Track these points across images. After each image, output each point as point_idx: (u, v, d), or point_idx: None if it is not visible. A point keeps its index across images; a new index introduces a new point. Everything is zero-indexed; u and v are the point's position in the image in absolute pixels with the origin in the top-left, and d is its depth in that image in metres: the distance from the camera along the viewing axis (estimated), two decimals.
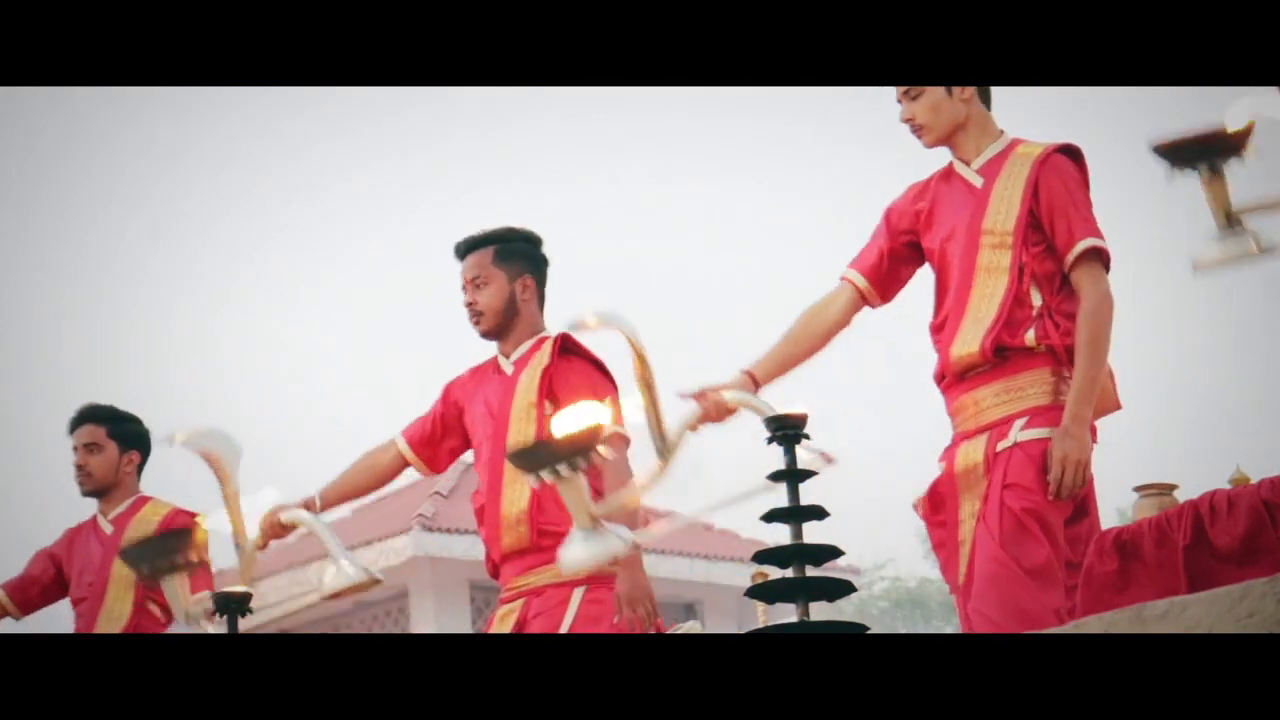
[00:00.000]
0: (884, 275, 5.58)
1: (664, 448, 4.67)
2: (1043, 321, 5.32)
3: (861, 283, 5.58)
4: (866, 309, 5.63)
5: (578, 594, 5.84)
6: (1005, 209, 5.38)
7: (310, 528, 5.68)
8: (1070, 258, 5.32)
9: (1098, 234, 5.36)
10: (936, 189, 5.53)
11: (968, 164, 5.48)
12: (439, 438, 6.18)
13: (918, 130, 5.47)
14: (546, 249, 6.20)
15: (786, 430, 4.84)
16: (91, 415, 7.22)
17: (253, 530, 5.32)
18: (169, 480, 7.33)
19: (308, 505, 5.98)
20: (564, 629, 5.78)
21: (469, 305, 6.06)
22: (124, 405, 7.34)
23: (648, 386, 4.56)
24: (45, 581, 7.27)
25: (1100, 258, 5.34)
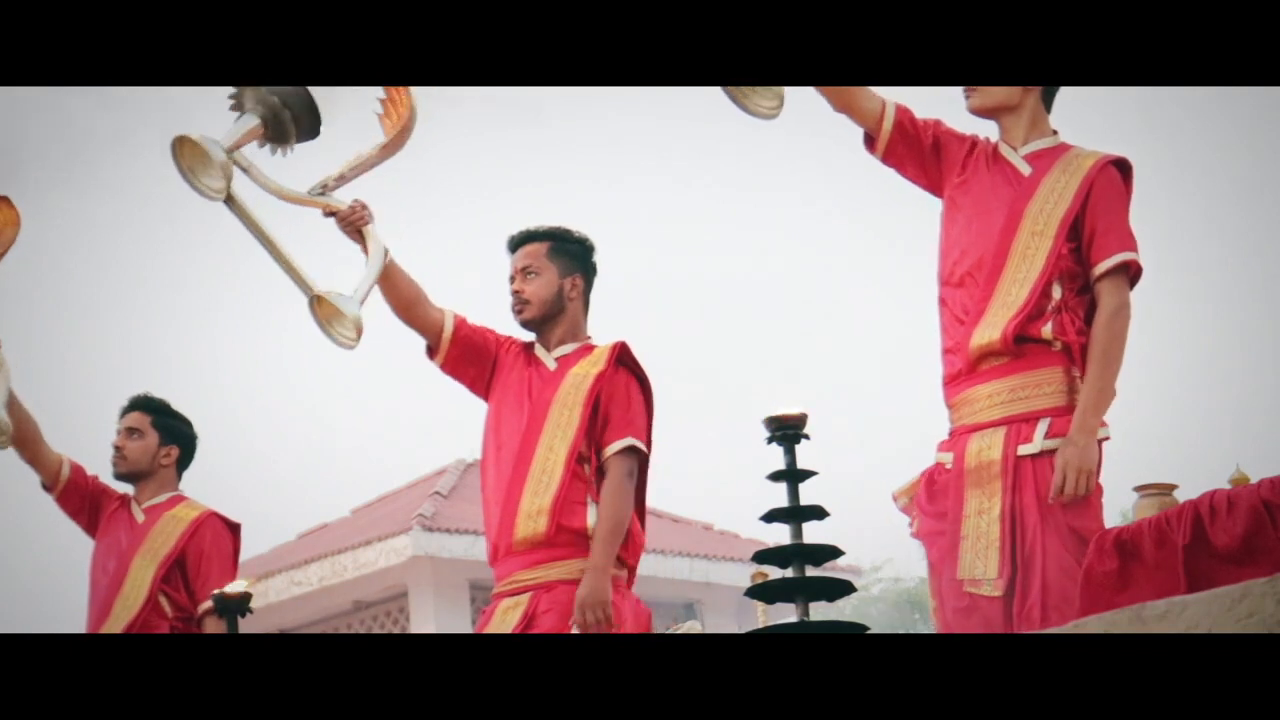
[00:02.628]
0: (908, 134, 5.55)
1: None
2: (1060, 316, 5.35)
3: (891, 112, 5.53)
4: (866, 147, 5.58)
5: None
6: (1055, 201, 5.42)
7: (372, 249, 5.90)
8: (1105, 266, 5.38)
9: (1134, 248, 5.42)
10: (978, 160, 5.54)
11: (1014, 149, 5.52)
12: (475, 352, 6.10)
13: (969, 90, 5.51)
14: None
15: (786, 430, 4.85)
16: (142, 404, 7.31)
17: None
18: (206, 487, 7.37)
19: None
20: (573, 622, 5.79)
21: (516, 293, 6.05)
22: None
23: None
24: (88, 494, 7.29)
25: (1128, 271, 5.40)
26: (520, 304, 6.06)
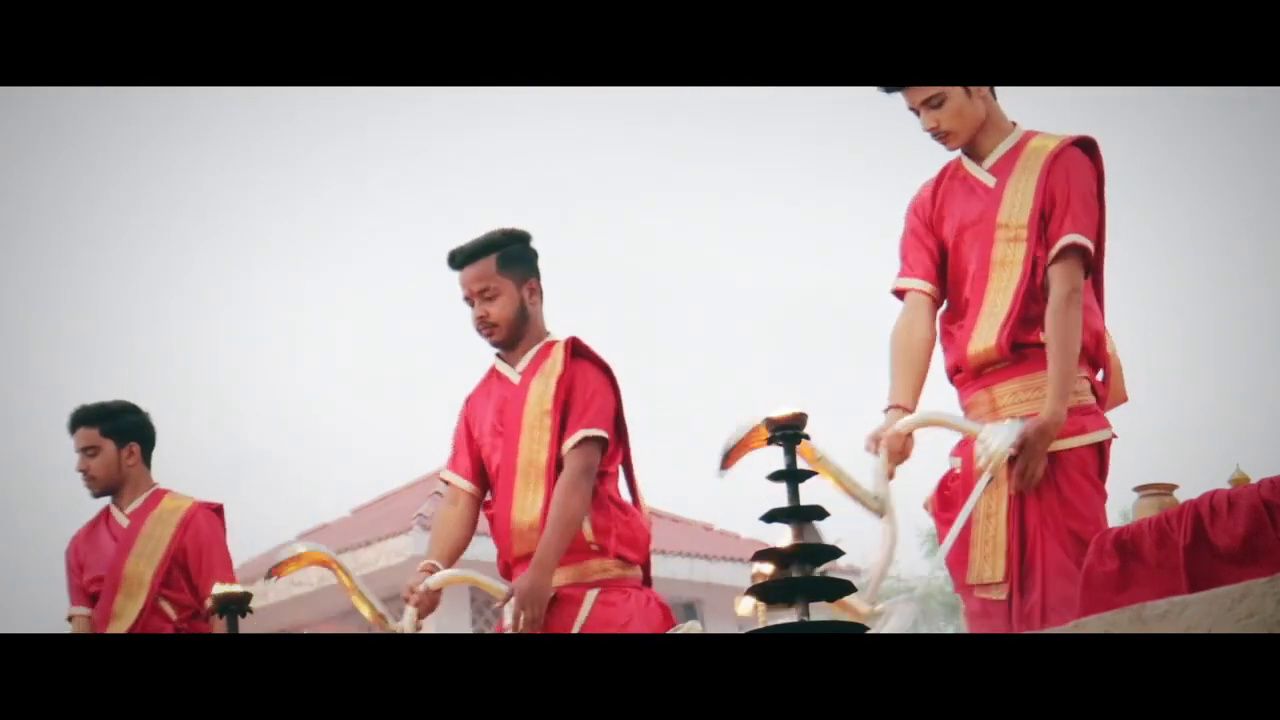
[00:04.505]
0: (941, 273, 5.54)
1: (879, 506, 5.07)
2: None
3: (930, 289, 5.53)
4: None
5: (591, 595, 5.82)
6: (1020, 203, 5.39)
7: (461, 578, 5.88)
8: (1053, 251, 5.33)
9: (1087, 231, 5.35)
10: (947, 186, 5.52)
11: (980, 162, 5.49)
12: (479, 459, 6.05)
13: (944, 137, 5.44)
14: (540, 251, 6.13)
15: (786, 430, 4.84)
16: (83, 418, 7.15)
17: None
18: (180, 472, 7.33)
19: (429, 571, 5.88)
20: (576, 628, 5.77)
21: (481, 318, 5.92)
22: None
23: (835, 478, 4.92)
24: (79, 573, 7.24)
25: (1082, 255, 5.35)
26: (488, 328, 5.93)
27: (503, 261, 5.94)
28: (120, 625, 6.93)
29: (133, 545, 7.02)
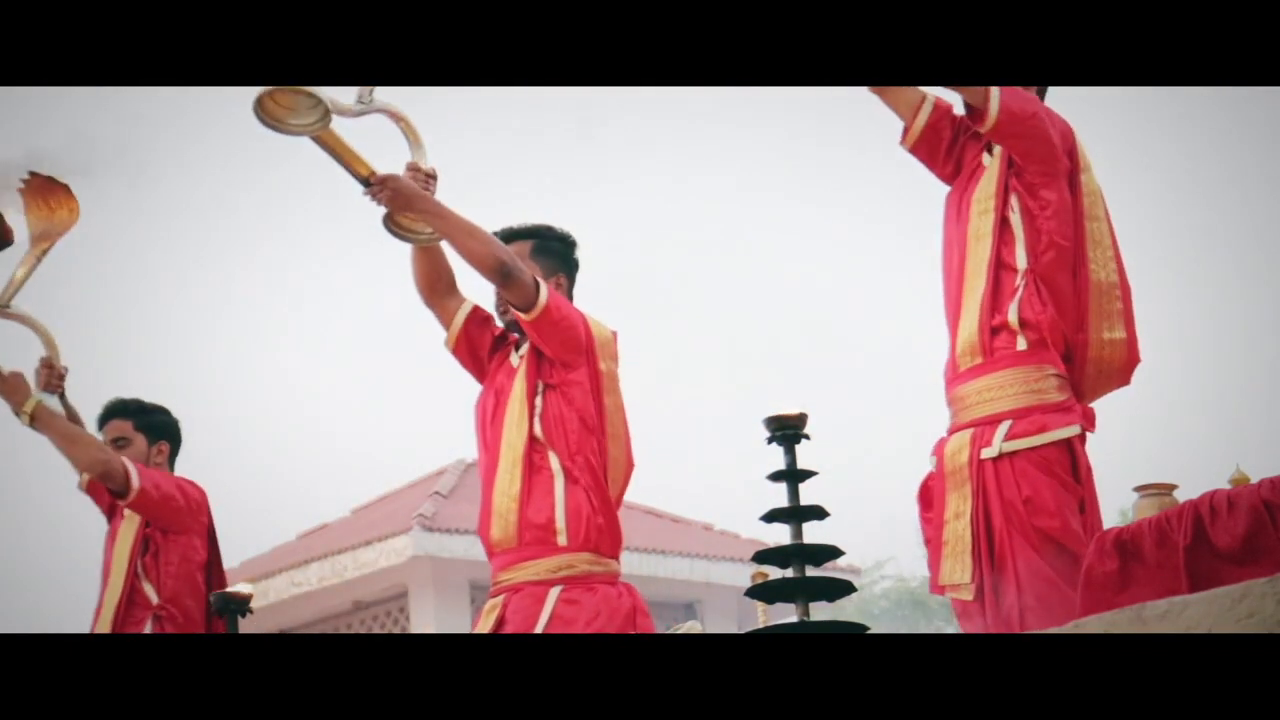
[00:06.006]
0: (939, 131, 5.56)
1: None
2: (1027, 289, 5.33)
3: (928, 109, 5.54)
4: (901, 138, 5.60)
5: (553, 594, 5.78)
6: (990, 172, 5.44)
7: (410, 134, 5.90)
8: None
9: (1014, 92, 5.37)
10: (971, 151, 5.56)
11: (990, 155, 5.53)
12: (476, 346, 6.02)
13: (980, 115, 5.50)
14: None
15: (786, 430, 4.85)
16: (119, 410, 7.15)
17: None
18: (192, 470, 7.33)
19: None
20: (539, 628, 5.72)
21: (500, 294, 5.94)
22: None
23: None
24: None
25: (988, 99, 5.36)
26: (503, 304, 5.93)
27: (538, 249, 6.00)
28: (108, 609, 6.89)
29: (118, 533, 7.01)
